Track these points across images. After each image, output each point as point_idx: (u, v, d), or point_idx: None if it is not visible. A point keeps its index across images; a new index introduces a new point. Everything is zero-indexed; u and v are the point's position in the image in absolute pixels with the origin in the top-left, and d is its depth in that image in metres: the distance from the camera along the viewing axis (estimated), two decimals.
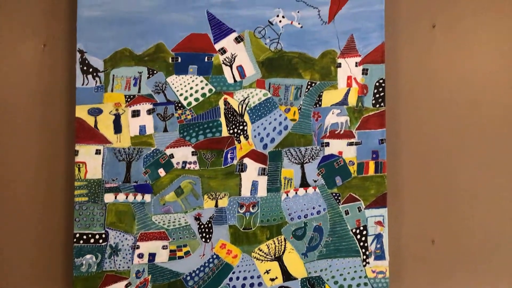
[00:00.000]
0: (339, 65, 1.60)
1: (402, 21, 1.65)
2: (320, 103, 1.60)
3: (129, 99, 1.58)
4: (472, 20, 1.65)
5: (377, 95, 1.60)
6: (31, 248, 1.58)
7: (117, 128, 1.58)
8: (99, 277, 1.53)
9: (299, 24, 1.60)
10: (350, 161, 1.59)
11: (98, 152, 1.56)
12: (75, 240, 1.54)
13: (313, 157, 1.59)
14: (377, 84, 1.60)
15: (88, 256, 1.53)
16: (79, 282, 1.52)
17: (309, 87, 1.60)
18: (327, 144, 1.60)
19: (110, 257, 1.54)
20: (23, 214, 1.59)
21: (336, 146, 1.59)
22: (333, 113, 1.60)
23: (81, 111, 1.57)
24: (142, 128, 1.58)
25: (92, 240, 1.54)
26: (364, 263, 1.56)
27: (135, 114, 1.58)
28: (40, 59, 1.61)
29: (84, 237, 1.54)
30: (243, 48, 1.59)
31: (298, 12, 1.59)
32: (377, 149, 1.59)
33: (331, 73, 1.60)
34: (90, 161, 1.56)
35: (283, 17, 1.60)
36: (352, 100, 1.60)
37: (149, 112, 1.59)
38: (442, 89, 1.64)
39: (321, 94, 1.60)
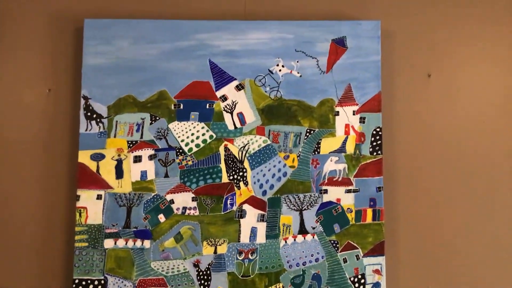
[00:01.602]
0: (337, 113, 1.64)
1: (398, 71, 1.69)
2: (318, 150, 1.63)
3: (131, 145, 1.61)
4: (466, 69, 1.70)
5: (374, 143, 1.63)
6: None
7: (119, 173, 1.59)
8: None
9: (298, 73, 1.64)
10: (348, 208, 1.61)
11: (99, 197, 1.58)
12: (74, 285, 1.53)
13: (311, 204, 1.61)
14: (374, 132, 1.63)
15: None
16: None
17: (308, 134, 1.63)
18: (326, 191, 1.62)
19: None
20: (23, 258, 1.58)
21: (334, 193, 1.61)
22: (331, 160, 1.63)
23: (84, 156, 1.59)
24: (144, 174, 1.60)
25: (91, 286, 1.54)
26: None
27: (137, 159, 1.60)
28: (45, 103, 1.64)
29: (83, 283, 1.54)
30: (244, 96, 1.63)
31: (297, 61, 1.64)
32: (375, 196, 1.61)
33: (329, 121, 1.64)
34: (91, 206, 1.57)
35: (282, 66, 1.64)
36: (350, 148, 1.63)
37: (151, 157, 1.61)
38: (438, 137, 1.67)
39: (320, 141, 1.63)
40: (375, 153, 1.63)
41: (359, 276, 1.57)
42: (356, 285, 1.57)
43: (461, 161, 1.67)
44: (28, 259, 1.58)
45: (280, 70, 1.64)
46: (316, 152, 1.63)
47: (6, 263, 1.58)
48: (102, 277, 1.54)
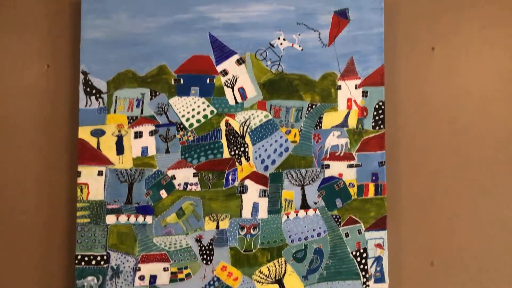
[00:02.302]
0: (339, 87, 1.62)
1: (401, 43, 1.66)
2: (320, 125, 1.62)
3: (131, 121, 1.59)
4: (471, 42, 1.67)
5: (377, 117, 1.62)
6: (33, 269, 1.58)
7: (120, 150, 1.58)
8: None
9: (299, 46, 1.61)
10: (350, 183, 1.60)
11: (100, 173, 1.57)
12: (76, 261, 1.54)
13: (313, 179, 1.60)
14: (377, 106, 1.62)
15: (89, 278, 1.53)
16: None
17: (309, 109, 1.62)
18: (328, 166, 1.61)
19: (111, 279, 1.54)
20: (25, 235, 1.59)
21: (336, 168, 1.61)
22: (333, 135, 1.62)
23: (84, 132, 1.58)
24: (144, 150, 1.59)
25: (93, 262, 1.54)
26: (364, 286, 1.56)
27: (138, 135, 1.59)
28: (44, 79, 1.62)
29: (86, 258, 1.54)
30: (245, 70, 1.61)
31: (298, 34, 1.61)
32: (377, 171, 1.60)
33: (331, 95, 1.62)
34: (93, 183, 1.57)
35: (284, 39, 1.61)
36: (352, 122, 1.62)
37: (152, 133, 1.60)
38: (441, 111, 1.66)
39: (322, 116, 1.62)
40: (377, 128, 1.61)
41: (361, 250, 1.58)
42: (358, 259, 1.57)
43: (464, 136, 1.65)
44: (29, 236, 1.59)
45: (281, 44, 1.61)
46: (318, 127, 1.62)
47: (7, 240, 1.59)
48: (105, 253, 1.55)
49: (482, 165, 1.65)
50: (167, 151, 1.59)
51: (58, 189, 1.60)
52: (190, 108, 1.60)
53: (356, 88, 1.62)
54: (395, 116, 1.65)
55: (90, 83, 1.58)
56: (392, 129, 1.64)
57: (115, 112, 1.59)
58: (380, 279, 1.56)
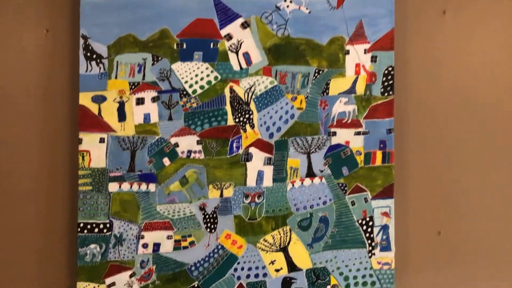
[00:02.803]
0: (347, 52, 1.57)
1: (412, 7, 1.60)
2: (327, 91, 1.57)
3: (133, 86, 1.55)
4: (483, 6, 1.61)
5: (386, 83, 1.57)
6: (34, 237, 1.57)
7: (121, 116, 1.55)
8: (104, 267, 1.53)
9: (307, 9, 1.56)
10: (357, 151, 1.57)
11: (102, 140, 1.54)
12: (79, 229, 1.53)
13: (319, 147, 1.57)
14: (386, 72, 1.57)
15: (92, 246, 1.53)
16: (83, 272, 1.52)
17: (316, 74, 1.57)
18: (334, 134, 1.57)
19: (114, 246, 1.53)
20: (26, 203, 1.58)
21: (343, 136, 1.57)
22: (340, 102, 1.58)
23: (85, 99, 1.54)
24: (147, 116, 1.56)
25: (96, 230, 1.53)
26: (370, 254, 1.55)
27: (140, 102, 1.56)
28: (43, 44, 1.58)
29: (88, 226, 1.53)
30: (250, 34, 1.56)
31: None
32: (385, 139, 1.56)
33: (339, 60, 1.57)
34: (94, 150, 1.54)
35: (290, 1, 1.56)
36: (360, 89, 1.57)
37: (154, 100, 1.56)
38: (452, 77, 1.61)
39: (329, 82, 1.57)
40: (386, 94, 1.57)
41: (367, 219, 1.55)
42: (364, 227, 1.55)
43: (475, 104, 1.61)
44: (31, 204, 1.57)
45: (287, 6, 1.56)
46: (325, 93, 1.57)
47: (8, 208, 1.58)
48: (107, 221, 1.54)
49: (492, 134, 1.61)
50: (170, 118, 1.56)
51: (59, 156, 1.58)
52: (193, 74, 1.56)
53: (365, 53, 1.57)
54: (404, 82, 1.61)
55: (90, 47, 1.54)
56: (401, 96, 1.60)
57: (116, 77, 1.55)
58: (386, 248, 1.54)
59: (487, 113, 1.61)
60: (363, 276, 1.54)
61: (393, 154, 1.56)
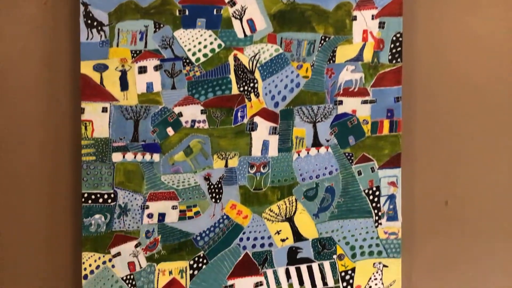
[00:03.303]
0: (355, 18, 1.53)
1: None
2: (333, 59, 1.54)
3: (135, 55, 1.52)
4: None
5: (394, 50, 1.53)
6: (38, 207, 1.57)
7: (124, 85, 1.53)
8: (108, 237, 1.52)
9: None
10: (364, 120, 1.54)
11: (104, 110, 1.52)
12: (83, 200, 1.52)
13: (325, 116, 1.54)
14: (394, 38, 1.53)
15: (97, 216, 1.52)
16: (88, 242, 1.52)
17: (322, 42, 1.53)
18: (341, 102, 1.54)
19: (119, 217, 1.53)
20: (29, 174, 1.56)
21: (349, 104, 1.54)
22: (347, 70, 1.54)
23: (86, 67, 1.51)
24: (149, 85, 1.53)
25: (100, 200, 1.52)
26: (376, 224, 1.53)
27: (142, 70, 1.53)
28: (42, 13, 1.54)
29: (93, 197, 1.52)
30: (254, 0, 1.51)
31: None
32: (392, 107, 1.53)
33: (346, 26, 1.53)
34: (97, 119, 1.52)
35: None
36: (368, 56, 1.54)
37: (156, 68, 1.53)
38: (463, 45, 1.57)
39: (335, 49, 1.54)
40: (394, 61, 1.53)
41: (374, 189, 1.54)
42: (371, 197, 1.54)
43: (485, 72, 1.57)
44: (34, 174, 1.56)
45: None
46: (331, 61, 1.54)
47: (11, 178, 1.57)
48: (112, 191, 1.53)
49: (501, 102, 1.58)
50: (173, 87, 1.53)
51: (62, 127, 1.56)
52: (196, 42, 1.53)
53: (372, 18, 1.53)
54: (413, 49, 1.57)
55: (90, 15, 1.50)
56: (410, 63, 1.56)
57: (117, 45, 1.52)
58: (392, 218, 1.53)
59: (498, 83, 1.57)
60: (370, 246, 1.53)
61: (400, 123, 1.53)
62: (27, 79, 1.56)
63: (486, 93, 1.58)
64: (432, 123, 1.57)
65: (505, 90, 1.58)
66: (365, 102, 1.54)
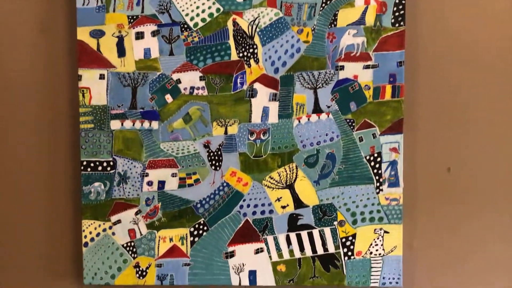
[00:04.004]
0: None
1: None
2: (335, 23, 1.50)
3: (132, 20, 1.49)
4: None
5: (397, 13, 1.49)
6: (37, 175, 1.57)
7: (121, 52, 1.50)
8: (108, 205, 1.52)
9: None
10: (365, 85, 1.51)
11: (102, 76, 1.50)
12: (82, 168, 1.51)
13: (326, 82, 1.51)
14: (397, 1, 1.49)
15: (96, 184, 1.52)
16: (88, 210, 1.52)
17: (323, 5, 1.49)
18: (342, 68, 1.51)
19: (118, 184, 1.52)
20: (28, 142, 1.56)
21: (351, 70, 1.51)
22: (349, 34, 1.51)
23: (83, 33, 1.49)
24: (147, 51, 1.50)
25: (99, 168, 1.52)
26: (378, 190, 1.52)
27: (139, 36, 1.50)
28: None
29: (92, 164, 1.52)
30: None
31: None
32: (395, 72, 1.50)
33: None
34: (94, 86, 1.50)
35: None
36: (370, 19, 1.50)
37: (154, 34, 1.50)
38: (466, 7, 1.52)
39: (337, 13, 1.50)
40: (397, 25, 1.49)
41: (375, 155, 1.52)
42: (372, 163, 1.52)
43: (490, 35, 1.53)
44: (33, 142, 1.56)
45: None
46: (333, 25, 1.50)
47: (11, 148, 1.56)
48: (111, 159, 1.52)
49: (505, 67, 1.54)
50: (171, 53, 1.51)
51: (59, 94, 1.54)
52: (194, 6, 1.49)
53: None
54: (417, 12, 1.52)
55: None
56: (413, 26, 1.52)
57: (114, 11, 1.49)
58: (394, 184, 1.52)
59: (502, 46, 1.53)
60: (371, 212, 1.52)
61: (403, 88, 1.50)
62: (23, 46, 1.53)
63: (491, 57, 1.54)
64: (435, 88, 1.54)
65: (509, 54, 1.54)
66: (367, 67, 1.51)
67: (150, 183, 1.53)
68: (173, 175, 1.53)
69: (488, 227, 1.57)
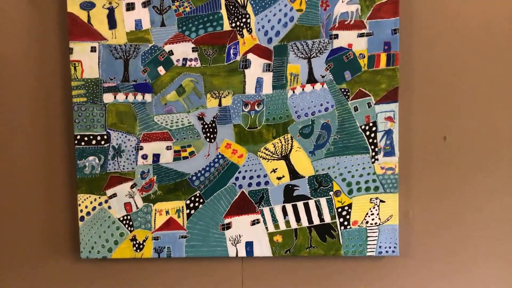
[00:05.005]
0: None
1: None
2: None
3: None
4: None
5: None
6: (32, 150, 1.55)
7: (112, 23, 1.48)
8: (103, 178, 1.52)
9: None
10: (360, 54, 1.49)
11: (93, 49, 1.48)
12: (76, 142, 1.50)
13: (320, 51, 1.50)
14: None
15: (90, 158, 1.51)
16: (83, 184, 1.52)
17: None
18: (336, 36, 1.49)
19: (113, 158, 1.51)
20: (21, 116, 1.54)
21: (345, 38, 1.49)
22: (343, 1, 1.48)
23: (73, 6, 1.47)
24: (138, 23, 1.48)
25: (93, 142, 1.51)
26: (373, 159, 1.51)
27: (130, 7, 1.48)
28: None
29: (86, 138, 1.51)
30: None
31: None
32: (390, 40, 1.48)
33: None
34: (86, 59, 1.49)
35: None
36: None
37: (145, 4, 1.48)
38: None
39: None
40: None
41: (371, 124, 1.51)
42: (367, 133, 1.51)
43: (487, 5, 1.51)
44: (26, 116, 1.54)
45: None
46: None
47: (4, 125, 1.55)
48: (105, 132, 1.51)
49: (502, 35, 1.52)
50: (163, 24, 1.49)
51: (51, 67, 1.52)
52: None
53: None
54: None
55: None
56: None
57: None
58: (390, 153, 1.51)
59: (499, 15, 1.51)
60: (366, 182, 1.52)
61: (398, 56, 1.48)
62: (12, 20, 1.51)
63: (487, 24, 1.52)
64: (430, 55, 1.52)
65: (504, 22, 1.51)
66: (361, 35, 1.49)
67: (144, 157, 1.52)
68: (168, 148, 1.52)
69: (484, 195, 1.56)
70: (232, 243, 1.54)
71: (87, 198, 1.52)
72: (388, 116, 1.50)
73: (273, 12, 1.49)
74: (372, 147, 1.51)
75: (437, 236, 1.57)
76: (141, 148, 1.52)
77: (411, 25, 1.51)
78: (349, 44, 1.49)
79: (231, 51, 1.50)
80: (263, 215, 1.53)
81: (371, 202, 1.52)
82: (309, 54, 1.50)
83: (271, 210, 1.53)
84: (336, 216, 1.53)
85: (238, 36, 1.49)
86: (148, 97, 1.50)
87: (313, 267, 1.58)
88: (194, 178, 1.53)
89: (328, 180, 1.52)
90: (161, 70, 1.50)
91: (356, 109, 1.51)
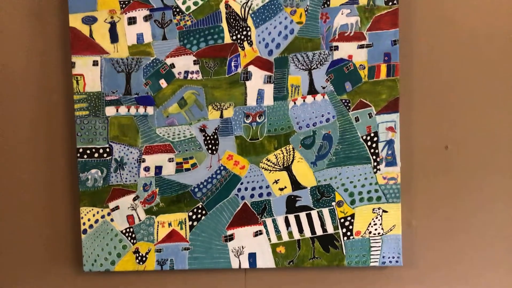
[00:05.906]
0: None
1: None
2: (328, 2, 1.49)
3: (124, 5, 1.49)
4: None
5: None
6: (34, 163, 1.56)
7: (114, 37, 1.49)
8: (106, 191, 1.52)
9: None
10: (360, 65, 1.51)
11: (95, 63, 1.49)
12: (78, 155, 1.51)
13: (321, 62, 1.51)
14: None
15: (93, 171, 1.51)
16: (86, 197, 1.52)
17: None
18: (336, 48, 1.50)
19: (116, 171, 1.52)
20: (23, 130, 1.55)
21: (345, 50, 1.50)
22: (342, 14, 1.50)
23: (75, 20, 1.48)
24: (140, 37, 1.50)
25: (96, 155, 1.51)
26: (375, 170, 1.52)
27: (132, 21, 1.49)
28: None
29: (88, 151, 1.51)
30: None
31: None
32: (389, 51, 1.50)
33: None
34: (88, 73, 1.50)
35: None
36: None
37: (146, 18, 1.49)
38: None
39: None
40: (390, 3, 1.48)
41: (372, 134, 1.51)
42: (369, 143, 1.52)
43: (484, 12, 1.52)
44: (28, 129, 1.55)
45: None
46: (326, 5, 1.49)
47: (6, 138, 1.55)
48: (107, 145, 1.51)
49: (501, 45, 1.53)
50: (164, 38, 1.50)
51: (53, 82, 1.54)
52: None
53: None
54: None
55: None
56: (406, 5, 1.51)
57: None
58: (391, 163, 1.51)
59: (497, 23, 1.52)
60: (369, 192, 1.52)
61: (398, 67, 1.49)
62: (15, 34, 1.52)
63: (486, 34, 1.53)
64: (430, 65, 1.53)
65: (504, 32, 1.53)
66: (361, 46, 1.50)
67: (147, 169, 1.52)
68: (170, 160, 1.52)
69: (486, 201, 1.56)
70: (235, 255, 1.54)
71: (89, 211, 1.52)
72: (389, 126, 1.51)
73: (273, 24, 1.50)
74: (374, 157, 1.52)
75: (440, 245, 1.57)
76: (143, 161, 1.52)
77: (411, 36, 1.52)
78: (349, 55, 1.50)
79: (232, 64, 1.51)
80: (265, 226, 1.53)
81: (374, 212, 1.52)
82: (309, 66, 1.51)
83: (274, 221, 1.53)
84: (339, 227, 1.53)
85: (239, 49, 1.51)
86: (150, 110, 1.51)
87: (317, 278, 1.58)
88: (196, 190, 1.53)
89: (330, 190, 1.53)
90: (163, 83, 1.51)
91: (357, 119, 1.52)
